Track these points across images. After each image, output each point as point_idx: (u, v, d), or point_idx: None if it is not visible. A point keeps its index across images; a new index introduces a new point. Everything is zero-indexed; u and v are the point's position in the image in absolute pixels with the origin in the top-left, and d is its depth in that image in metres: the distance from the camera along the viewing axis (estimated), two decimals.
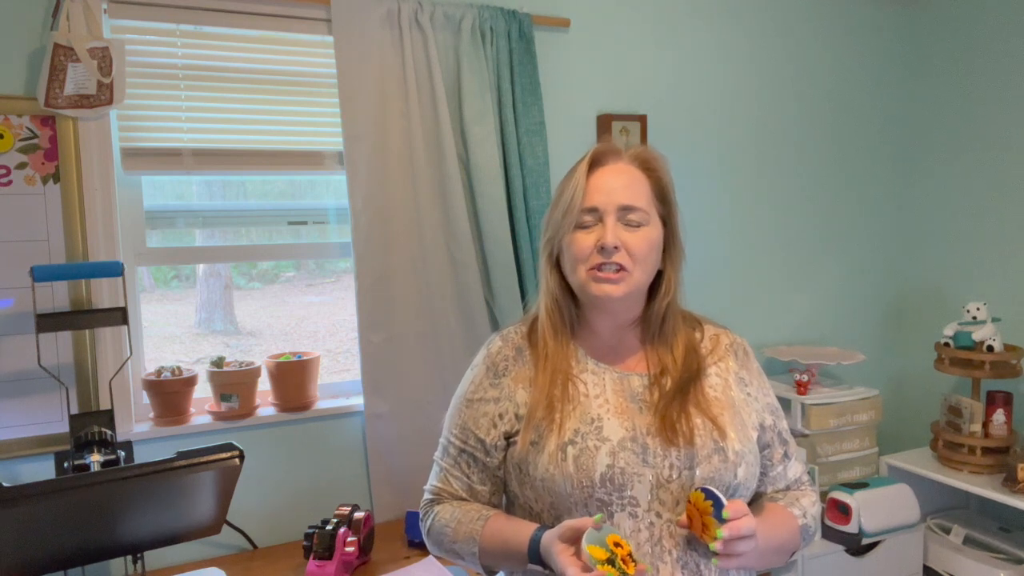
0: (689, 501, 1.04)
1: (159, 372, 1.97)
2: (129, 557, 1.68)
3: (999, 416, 2.35)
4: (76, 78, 1.73)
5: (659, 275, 1.19)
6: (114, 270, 1.75)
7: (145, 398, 1.96)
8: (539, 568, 1.07)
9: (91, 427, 1.69)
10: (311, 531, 1.78)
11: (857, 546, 2.29)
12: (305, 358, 2.08)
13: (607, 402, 1.14)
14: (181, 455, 1.36)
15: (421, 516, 1.24)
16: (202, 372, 2.01)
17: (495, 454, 1.18)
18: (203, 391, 2.03)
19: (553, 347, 1.18)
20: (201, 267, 2.49)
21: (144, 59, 1.88)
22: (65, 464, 1.70)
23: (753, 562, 1.08)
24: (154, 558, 1.84)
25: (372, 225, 2.01)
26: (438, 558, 1.76)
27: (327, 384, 2.20)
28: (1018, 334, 2.53)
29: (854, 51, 2.80)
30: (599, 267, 1.11)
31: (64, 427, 1.79)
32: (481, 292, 2.13)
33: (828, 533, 2.33)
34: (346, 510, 1.84)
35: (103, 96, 1.78)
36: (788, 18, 2.67)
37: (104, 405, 1.84)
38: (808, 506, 1.21)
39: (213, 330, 2.54)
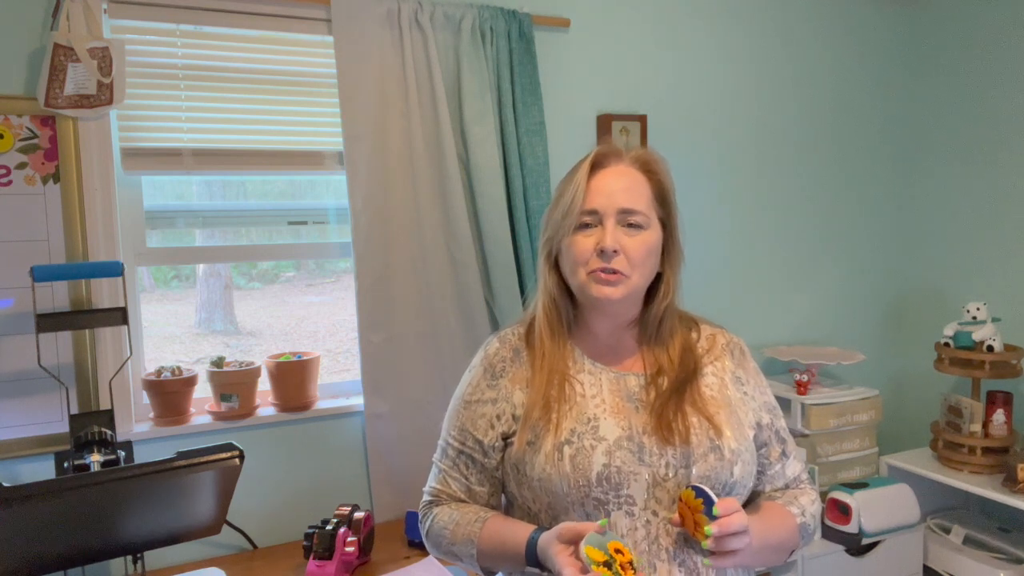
0: (680, 500, 1.04)
1: (159, 372, 1.97)
2: (129, 557, 1.68)
3: (999, 416, 2.35)
4: (76, 78, 1.73)
5: (658, 277, 1.19)
6: (114, 270, 1.75)
7: (145, 398, 1.97)
8: (536, 570, 1.07)
9: (91, 427, 1.69)
10: (311, 531, 1.78)
11: (857, 546, 2.29)
12: (305, 358, 2.08)
13: (603, 402, 1.14)
14: (181, 455, 1.36)
15: (420, 518, 1.25)
16: (202, 372, 2.02)
17: (493, 455, 1.18)
18: (203, 391, 2.03)
19: (550, 347, 1.18)
20: (201, 267, 2.49)
21: (144, 59, 1.88)
22: (65, 464, 1.70)
23: (750, 560, 1.08)
24: (154, 558, 1.85)
25: (372, 225, 2.01)
26: (438, 558, 1.76)
27: (327, 384, 2.20)
28: (1018, 334, 2.53)
29: (854, 51, 2.80)
30: (599, 270, 1.12)
31: (64, 427, 1.79)
32: (481, 292, 2.13)
33: (828, 533, 2.33)
34: (346, 510, 1.84)
35: (103, 96, 1.78)
36: (788, 18, 2.67)
37: (104, 405, 1.84)
38: (807, 504, 1.21)
39: (213, 330, 2.54)
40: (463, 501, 1.21)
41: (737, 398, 1.19)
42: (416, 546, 1.92)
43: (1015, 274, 2.57)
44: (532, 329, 1.22)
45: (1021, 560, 2.30)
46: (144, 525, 1.41)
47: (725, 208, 2.62)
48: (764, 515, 1.15)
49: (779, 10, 2.65)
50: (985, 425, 2.37)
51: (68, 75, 1.72)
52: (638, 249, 1.12)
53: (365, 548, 1.83)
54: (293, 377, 2.05)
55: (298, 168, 2.06)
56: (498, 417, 1.17)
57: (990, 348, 2.32)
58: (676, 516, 1.05)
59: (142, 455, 1.86)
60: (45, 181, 1.78)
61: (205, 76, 1.94)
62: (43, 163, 1.77)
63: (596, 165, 1.17)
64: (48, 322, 1.71)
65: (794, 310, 2.79)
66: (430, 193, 2.06)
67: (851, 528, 2.26)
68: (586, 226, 1.14)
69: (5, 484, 1.22)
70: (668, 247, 1.19)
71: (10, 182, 1.75)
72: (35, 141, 1.76)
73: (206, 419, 1.99)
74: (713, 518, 0.98)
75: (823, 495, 2.35)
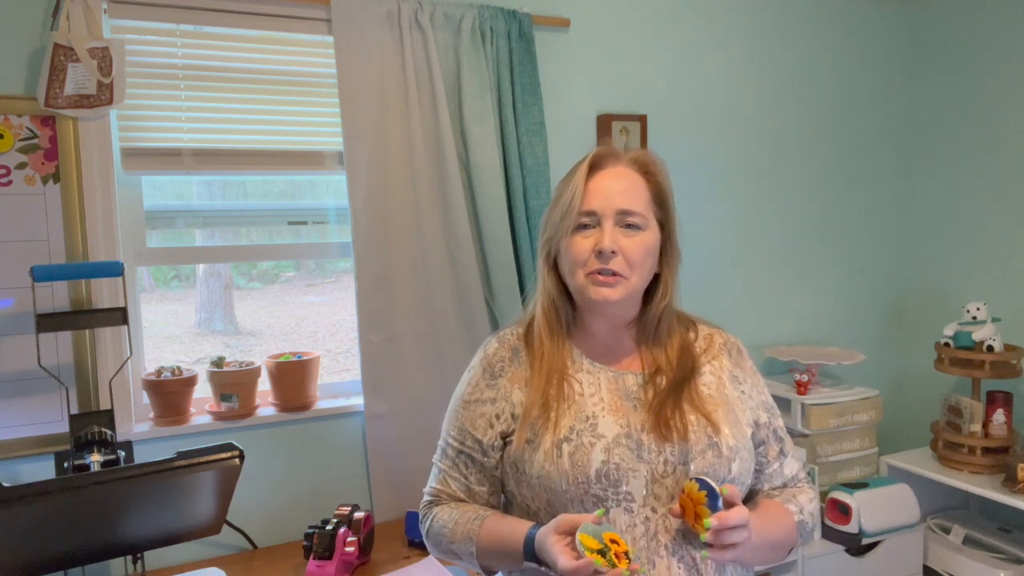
0: (683, 491, 1.04)
1: (159, 372, 1.97)
2: (129, 557, 1.68)
3: (999, 416, 2.35)
4: (76, 78, 1.73)
5: (656, 278, 1.20)
6: (114, 270, 1.75)
7: (145, 398, 1.97)
8: (534, 566, 1.07)
9: (91, 427, 1.69)
10: (311, 531, 1.78)
11: (857, 546, 2.29)
12: (305, 358, 2.08)
13: (602, 400, 1.14)
14: (181, 455, 1.36)
15: (421, 518, 1.25)
16: (202, 372, 2.02)
17: (492, 454, 1.18)
18: (203, 391, 2.03)
19: (549, 347, 1.19)
20: (201, 267, 2.49)
21: (144, 59, 1.88)
22: (65, 464, 1.70)
23: (749, 556, 1.08)
24: (154, 558, 1.85)
25: (372, 225, 2.02)
26: (438, 558, 1.76)
27: (327, 384, 2.20)
28: (1018, 334, 2.53)
29: (854, 51, 2.80)
30: (597, 272, 1.12)
31: (64, 427, 1.79)
32: (481, 292, 2.13)
33: (828, 533, 2.33)
34: (346, 510, 1.84)
35: (103, 96, 1.78)
36: (788, 18, 2.67)
37: (104, 405, 1.84)
38: (805, 503, 1.21)
39: (213, 330, 2.54)
40: (463, 501, 1.22)
41: (735, 397, 1.19)
42: (416, 546, 1.92)
43: (1015, 274, 2.57)
44: (531, 329, 1.23)
45: (1021, 560, 2.30)
46: (144, 525, 1.41)
47: (725, 208, 2.62)
48: (762, 513, 1.15)
49: (779, 10, 2.65)
50: (985, 425, 2.37)
51: (68, 75, 1.72)
52: (636, 250, 1.13)
53: (365, 548, 1.84)
54: (293, 377, 2.05)
55: (298, 168, 2.06)
56: (497, 416, 1.18)
57: (990, 348, 2.32)
58: (676, 506, 1.05)
59: (142, 455, 1.87)
60: (45, 181, 1.78)
61: (205, 76, 1.94)
62: (43, 163, 1.77)
63: (594, 166, 1.18)
64: (48, 322, 1.71)
65: (794, 310, 2.79)
66: (430, 193, 2.06)
67: (851, 528, 2.26)
68: (584, 227, 1.14)
69: (5, 484, 1.22)
70: (666, 248, 1.19)
71: (10, 182, 1.75)
72: (35, 141, 1.76)
73: (206, 419, 1.99)
74: (716, 510, 0.99)
75: (823, 495, 2.35)
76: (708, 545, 1.01)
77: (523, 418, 1.14)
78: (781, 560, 1.21)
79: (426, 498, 1.26)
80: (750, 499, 1.22)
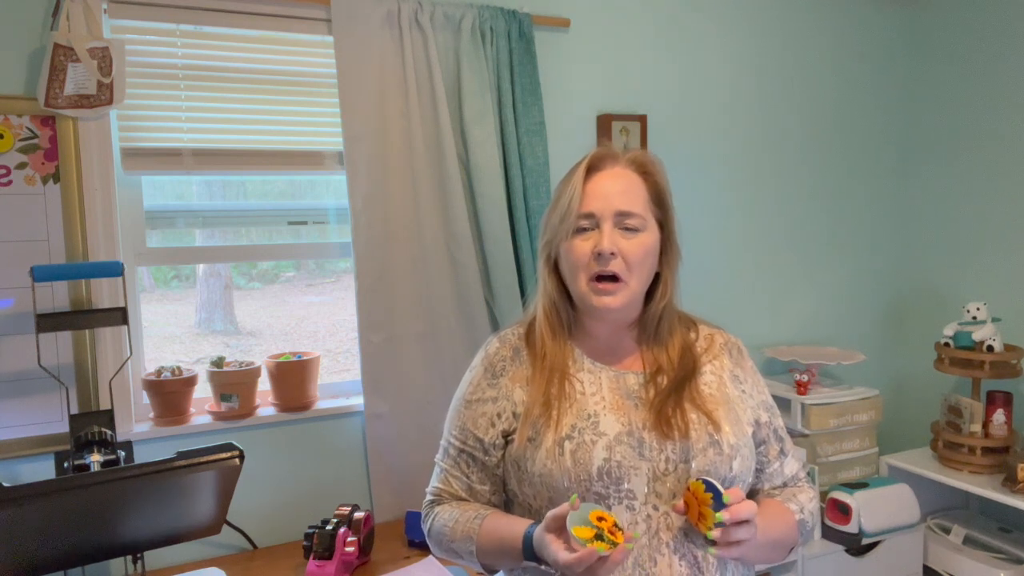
0: (688, 489, 1.04)
1: (159, 372, 1.97)
2: (129, 557, 1.68)
3: (999, 416, 2.35)
4: (76, 78, 1.73)
5: (656, 278, 1.20)
6: (114, 270, 1.75)
7: (145, 398, 1.97)
8: (533, 564, 1.07)
9: (91, 427, 1.69)
10: (311, 531, 1.78)
11: (857, 546, 2.29)
12: (305, 358, 2.08)
13: (603, 399, 1.15)
14: (181, 455, 1.37)
15: (423, 517, 1.26)
16: (202, 372, 2.02)
17: (494, 453, 1.18)
18: (203, 391, 2.03)
19: (551, 347, 1.19)
20: (201, 267, 2.49)
21: (144, 59, 1.88)
22: (65, 464, 1.70)
23: (751, 554, 1.08)
24: (154, 558, 1.85)
25: (372, 225, 2.02)
26: (438, 558, 1.76)
27: (327, 384, 2.20)
28: (1018, 334, 2.53)
29: (854, 51, 2.80)
30: (598, 278, 1.13)
31: (64, 427, 1.79)
32: (481, 292, 2.13)
33: (828, 533, 2.33)
34: (346, 510, 1.84)
35: (103, 96, 1.78)
36: (788, 18, 2.67)
37: (104, 405, 1.84)
38: (805, 502, 1.22)
39: (213, 330, 2.54)
40: (465, 500, 1.22)
41: (735, 396, 1.20)
42: (416, 546, 1.92)
43: (1015, 274, 2.57)
44: (532, 330, 1.23)
45: (1021, 560, 2.30)
46: (144, 525, 1.41)
47: (725, 208, 2.62)
48: (763, 511, 1.15)
49: (779, 10, 2.65)
50: (985, 425, 2.37)
51: (68, 75, 1.72)
52: (635, 251, 1.13)
53: (365, 548, 1.83)
54: (293, 377, 2.05)
55: (298, 168, 2.06)
56: (499, 415, 1.18)
57: (990, 348, 2.32)
58: (680, 503, 1.05)
59: (142, 455, 1.87)
60: (45, 181, 1.78)
61: (205, 76, 1.94)
62: (43, 163, 1.77)
63: (592, 168, 1.18)
64: (48, 322, 1.71)
65: (794, 310, 2.79)
66: (430, 193, 2.06)
67: (851, 528, 2.26)
68: (583, 230, 1.15)
69: (5, 484, 1.22)
70: (666, 248, 1.19)
71: (10, 182, 1.75)
72: (35, 141, 1.76)
73: (206, 419, 1.99)
74: (723, 506, 0.99)
75: (823, 495, 2.35)
76: (712, 543, 1.01)
77: (525, 417, 1.15)
78: (782, 559, 1.21)
79: (428, 497, 1.26)
80: (750, 499, 1.22)
